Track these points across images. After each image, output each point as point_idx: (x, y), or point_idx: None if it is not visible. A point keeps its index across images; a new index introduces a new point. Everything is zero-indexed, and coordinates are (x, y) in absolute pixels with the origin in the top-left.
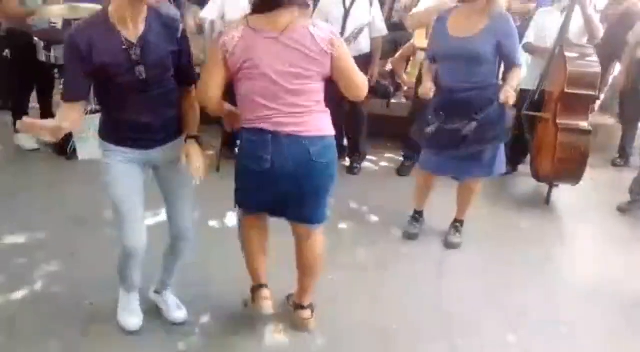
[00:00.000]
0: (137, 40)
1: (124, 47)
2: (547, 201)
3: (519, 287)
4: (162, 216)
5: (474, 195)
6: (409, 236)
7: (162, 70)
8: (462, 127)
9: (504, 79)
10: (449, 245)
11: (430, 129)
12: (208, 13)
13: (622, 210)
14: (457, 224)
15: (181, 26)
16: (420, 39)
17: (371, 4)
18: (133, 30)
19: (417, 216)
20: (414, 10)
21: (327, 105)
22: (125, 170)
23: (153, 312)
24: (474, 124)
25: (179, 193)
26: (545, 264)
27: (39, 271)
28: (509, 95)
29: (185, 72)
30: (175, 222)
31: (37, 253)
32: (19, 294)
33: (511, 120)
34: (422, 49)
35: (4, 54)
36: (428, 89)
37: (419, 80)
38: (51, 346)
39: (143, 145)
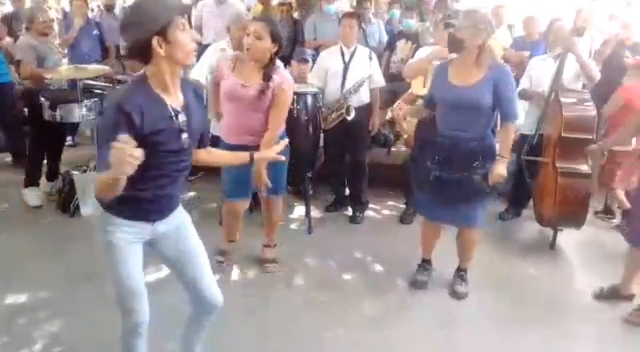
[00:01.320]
0: (182, 107)
1: (171, 114)
2: (553, 245)
3: (530, 333)
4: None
5: (474, 244)
6: (418, 285)
7: (197, 137)
8: (463, 177)
9: (499, 137)
10: (455, 295)
11: (431, 177)
12: (197, 74)
13: None
14: (462, 273)
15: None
16: (418, 88)
17: (371, 59)
18: (175, 96)
19: (426, 264)
20: (410, 61)
21: (329, 157)
22: (131, 248)
23: None
24: (477, 178)
25: (192, 255)
26: (555, 311)
27: (41, 331)
28: (496, 177)
29: (204, 138)
30: (199, 291)
31: (39, 313)
32: None
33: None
34: (421, 97)
35: (20, 112)
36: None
37: (419, 127)
38: None
39: (153, 219)
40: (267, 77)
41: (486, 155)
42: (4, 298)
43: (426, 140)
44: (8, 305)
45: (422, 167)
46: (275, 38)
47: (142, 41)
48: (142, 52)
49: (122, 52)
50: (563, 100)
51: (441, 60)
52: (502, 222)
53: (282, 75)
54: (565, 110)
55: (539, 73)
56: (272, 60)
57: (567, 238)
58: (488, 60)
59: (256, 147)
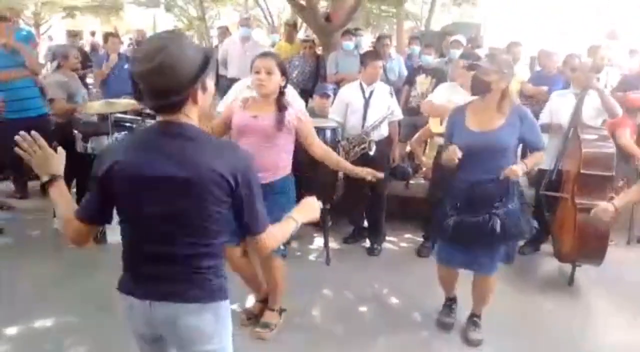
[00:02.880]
0: None
1: None
2: (571, 281)
3: None
4: None
5: (490, 292)
6: (444, 326)
7: None
8: (483, 219)
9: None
10: (469, 342)
11: (450, 222)
12: (223, 107)
13: None
14: (475, 319)
15: None
16: (435, 125)
17: (391, 95)
18: None
19: (450, 302)
20: (429, 97)
21: (348, 189)
22: None
23: None
24: (497, 220)
25: None
26: (566, 349)
27: None
28: (508, 171)
29: None
30: None
31: (65, 339)
32: None
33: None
34: (438, 134)
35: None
36: (455, 150)
37: (436, 163)
38: None
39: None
40: (281, 106)
41: (507, 195)
42: (31, 322)
43: (445, 185)
44: (35, 328)
45: (442, 212)
46: (283, 71)
47: (185, 85)
48: (179, 99)
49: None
50: (582, 136)
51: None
52: (520, 256)
53: (294, 106)
54: (584, 147)
55: (558, 107)
56: (282, 93)
57: (586, 273)
58: (509, 105)
59: (269, 184)
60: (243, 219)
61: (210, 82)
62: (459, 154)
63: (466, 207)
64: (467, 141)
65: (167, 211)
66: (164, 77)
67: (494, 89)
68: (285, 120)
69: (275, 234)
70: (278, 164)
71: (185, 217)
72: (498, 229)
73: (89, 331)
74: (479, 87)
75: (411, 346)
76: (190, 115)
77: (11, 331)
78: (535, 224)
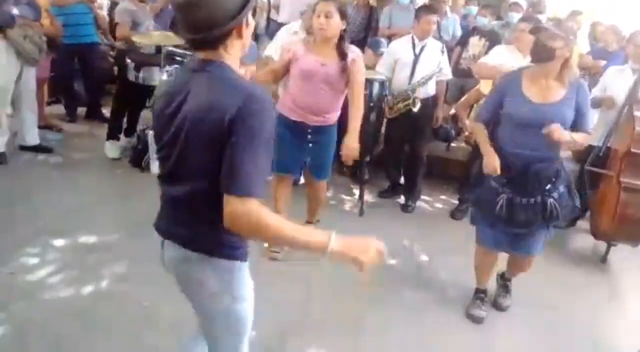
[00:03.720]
0: None
1: None
2: (604, 259)
3: (575, 344)
4: None
5: (530, 267)
6: (475, 320)
7: None
8: (536, 201)
9: None
10: (498, 307)
11: (501, 200)
12: (271, 51)
13: None
14: (507, 283)
15: None
16: (486, 87)
17: (442, 52)
18: None
19: (482, 295)
20: (483, 59)
21: (388, 145)
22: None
23: None
24: (555, 204)
25: None
26: (594, 325)
27: (108, 270)
28: (553, 129)
29: None
30: None
31: (107, 254)
32: (88, 289)
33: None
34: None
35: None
36: (496, 165)
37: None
38: (114, 342)
39: None
40: (343, 55)
41: (558, 177)
42: (78, 236)
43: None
44: (81, 243)
45: (485, 187)
46: (343, 15)
47: (227, 19)
48: (224, 36)
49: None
50: (637, 114)
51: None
52: (555, 230)
53: (354, 50)
54: (638, 125)
55: (614, 83)
56: (342, 38)
57: (620, 253)
58: (570, 75)
59: (314, 128)
60: (222, 170)
61: (252, 19)
62: (498, 171)
63: (518, 186)
64: (525, 112)
65: (180, 150)
66: (203, 9)
67: (557, 57)
68: (347, 68)
69: (257, 214)
70: (335, 107)
71: (194, 158)
72: (554, 212)
73: (131, 250)
74: (542, 54)
75: (436, 303)
76: (231, 52)
77: (58, 242)
78: (579, 202)
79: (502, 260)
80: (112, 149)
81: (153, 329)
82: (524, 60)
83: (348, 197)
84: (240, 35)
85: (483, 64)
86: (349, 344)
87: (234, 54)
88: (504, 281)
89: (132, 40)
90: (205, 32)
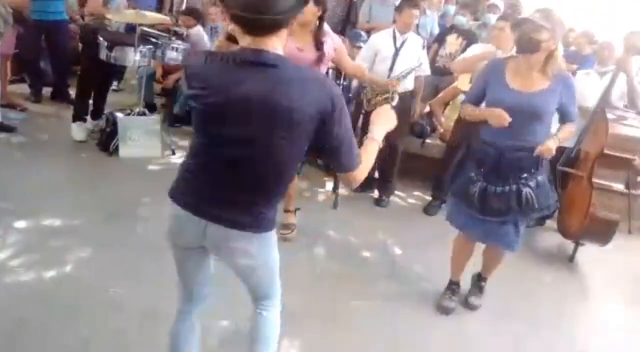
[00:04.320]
0: None
1: None
2: (572, 258)
3: (536, 339)
4: None
5: (501, 260)
6: (444, 310)
7: None
8: (511, 189)
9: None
10: (469, 306)
11: (475, 188)
12: None
13: None
14: (481, 283)
15: None
16: (463, 83)
17: (423, 47)
18: None
19: (454, 286)
20: (461, 56)
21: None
22: None
23: None
24: (529, 192)
25: None
26: (561, 323)
27: (72, 255)
28: (544, 149)
29: None
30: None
31: (71, 239)
32: (51, 273)
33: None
34: (465, 92)
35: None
36: (501, 113)
37: (458, 122)
38: (75, 330)
39: None
40: (319, 44)
41: (538, 168)
42: (41, 219)
43: (470, 146)
44: (44, 226)
45: (464, 178)
46: (317, 1)
47: (299, 7)
48: (285, 23)
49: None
50: (610, 116)
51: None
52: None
53: (333, 37)
54: (611, 127)
55: (582, 87)
56: (320, 26)
57: (587, 253)
58: (555, 67)
59: None
60: (338, 157)
61: None
62: (509, 118)
63: (493, 175)
64: (506, 100)
65: (241, 137)
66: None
67: (542, 49)
68: (324, 57)
69: (364, 166)
70: None
71: (254, 146)
72: (530, 201)
73: (96, 235)
74: (527, 45)
75: (410, 295)
76: (281, 41)
77: (20, 224)
78: (557, 197)
79: (478, 258)
80: (78, 131)
81: (119, 314)
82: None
83: (322, 190)
84: (288, 26)
85: (459, 60)
86: (322, 336)
87: (282, 44)
88: (479, 281)
89: (102, 15)
90: (281, 15)
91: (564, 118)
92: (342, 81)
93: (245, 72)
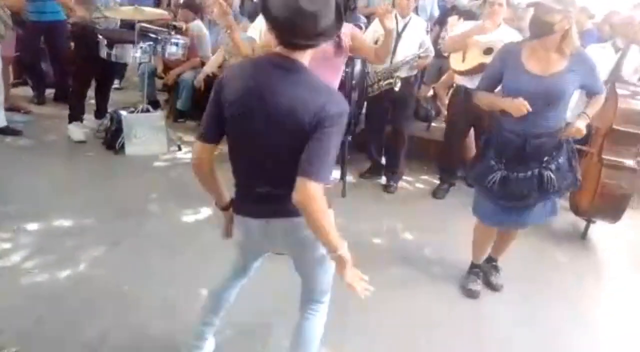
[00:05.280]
0: None
1: None
2: (584, 235)
3: (553, 318)
4: None
5: (514, 240)
6: (472, 294)
7: None
8: (533, 174)
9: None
10: (492, 286)
11: (494, 178)
12: (254, 33)
13: None
14: (495, 264)
15: None
16: (456, 62)
17: (427, 32)
18: None
19: (477, 269)
20: (450, 34)
21: (370, 125)
22: None
23: None
24: (551, 175)
25: None
26: (582, 300)
27: (85, 254)
28: (574, 131)
29: None
30: None
31: (83, 238)
32: (66, 273)
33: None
34: (458, 72)
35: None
36: (519, 102)
37: (454, 97)
38: (92, 326)
39: None
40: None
41: (560, 149)
42: (51, 220)
43: (490, 135)
44: (55, 226)
45: (484, 165)
46: None
47: (334, 33)
48: (317, 45)
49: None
50: (619, 91)
51: (481, 35)
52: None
53: (344, 25)
54: (620, 102)
55: (596, 60)
56: None
57: (600, 230)
58: (571, 46)
59: None
60: (303, 156)
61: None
62: (528, 106)
63: (514, 162)
64: (526, 85)
65: (270, 134)
66: (321, 21)
67: (556, 31)
68: (342, 43)
69: (321, 199)
70: (333, 83)
71: (284, 143)
72: (550, 183)
73: (108, 233)
74: (541, 29)
75: (422, 280)
76: (308, 54)
77: (32, 226)
78: (579, 174)
79: None
80: (76, 131)
81: (138, 310)
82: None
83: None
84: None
85: (450, 38)
86: (337, 324)
87: (307, 56)
88: (493, 263)
89: (72, 11)
90: (318, 39)
91: (590, 92)
92: (345, 68)
93: (275, 76)
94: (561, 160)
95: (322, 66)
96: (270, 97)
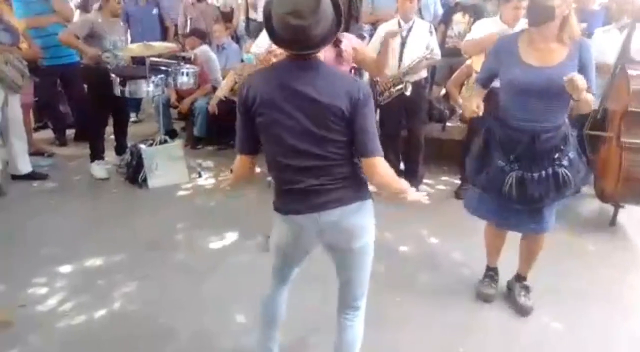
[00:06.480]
0: None
1: None
2: (613, 222)
3: (590, 309)
4: None
5: (541, 249)
6: (485, 298)
7: None
8: (547, 173)
9: None
10: (522, 311)
11: (510, 181)
12: (259, 48)
13: None
14: (525, 283)
15: None
16: (478, 64)
17: (431, 33)
18: None
19: (492, 273)
20: (468, 36)
21: (385, 132)
22: None
23: None
24: (566, 173)
25: None
26: (617, 287)
27: (118, 292)
28: (576, 77)
29: None
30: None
31: (115, 275)
32: (101, 312)
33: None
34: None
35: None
36: (475, 107)
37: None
38: None
39: None
40: (336, 41)
41: (567, 143)
42: (82, 260)
43: (491, 134)
44: (87, 266)
45: (492, 168)
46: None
47: (333, 32)
48: (326, 44)
49: (180, 31)
50: (630, 72)
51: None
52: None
53: (347, 36)
54: (632, 83)
55: (603, 45)
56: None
57: (629, 214)
58: (571, 33)
59: None
60: (357, 140)
61: None
62: (480, 112)
63: (527, 161)
64: (526, 78)
65: (308, 129)
66: (319, 29)
67: (557, 16)
68: (343, 53)
69: (387, 166)
70: None
71: (319, 134)
72: (567, 181)
73: (139, 268)
74: (541, 15)
75: (453, 284)
76: (319, 53)
77: (65, 269)
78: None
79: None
80: (98, 169)
81: (174, 343)
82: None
83: None
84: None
85: (469, 42)
86: (371, 337)
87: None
88: (521, 281)
89: (96, 59)
90: (317, 48)
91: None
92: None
93: (299, 72)
94: (571, 154)
95: None
96: (302, 88)
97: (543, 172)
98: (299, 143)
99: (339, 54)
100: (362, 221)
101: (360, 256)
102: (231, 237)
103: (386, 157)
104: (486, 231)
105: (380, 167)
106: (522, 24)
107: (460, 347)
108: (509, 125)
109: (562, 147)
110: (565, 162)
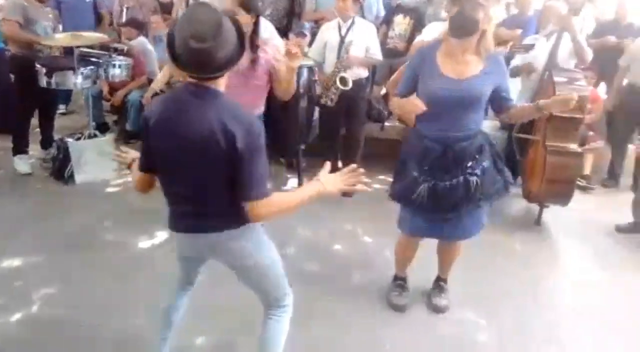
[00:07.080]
0: None
1: None
2: (538, 221)
3: (508, 308)
4: None
5: (458, 254)
6: (397, 308)
7: None
8: (459, 181)
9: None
10: (436, 309)
11: (423, 190)
12: None
13: (621, 230)
14: (442, 284)
15: None
16: None
17: (374, 35)
18: None
19: (402, 282)
20: (418, 38)
21: (323, 130)
22: None
23: None
24: (476, 181)
25: None
26: (539, 283)
27: (37, 293)
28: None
29: None
30: None
31: (35, 276)
32: (19, 315)
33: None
34: None
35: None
36: (418, 102)
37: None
38: None
39: None
40: (254, 46)
41: (482, 153)
42: (1, 260)
43: (408, 147)
44: (4, 267)
45: (407, 179)
46: (248, 9)
47: (235, 58)
48: (227, 70)
49: (116, 19)
50: (556, 79)
51: None
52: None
53: (270, 44)
54: (558, 89)
55: (532, 52)
56: (255, 29)
57: (553, 214)
58: (487, 47)
59: None
60: (238, 181)
61: None
62: (424, 107)
63: (439, 170)
64: (444, 90)
65: (188, 160)
66: (219, 54)
67: (479, 30)
68: (260, 61)
69: (274, 203)
70: (255, 102)
71: (200, 167)
72: (476, 189)
73: (58, 269)
74: (466, 28)
75: (385, 283)
76: (223, 80)
77: None
78: (510, 177)
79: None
80: (21, 163)
81: (93, 348)
82: None
83: (286, 188)
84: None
85: (419, 43)
86: (301, 335)
87: (224, 81)
88: (439, 282)
89: (28, 42)
90: (219, 71)
91: (502, 102)
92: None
93: (191, 105)
94: (486, 163)
95: (238, 83)
96: (185, 128)
97: (454, 180)
98: (180, 171)
99: (254, 61)
100: (247, 244)
101: (254, 271)
102: (161, 236)
103: (324, 156)
104: (398, 243)
105: (263, 208)
106: None
107: (387, 344)
108: (424, 135)
109: (476, 156)
110: (477, 171)
